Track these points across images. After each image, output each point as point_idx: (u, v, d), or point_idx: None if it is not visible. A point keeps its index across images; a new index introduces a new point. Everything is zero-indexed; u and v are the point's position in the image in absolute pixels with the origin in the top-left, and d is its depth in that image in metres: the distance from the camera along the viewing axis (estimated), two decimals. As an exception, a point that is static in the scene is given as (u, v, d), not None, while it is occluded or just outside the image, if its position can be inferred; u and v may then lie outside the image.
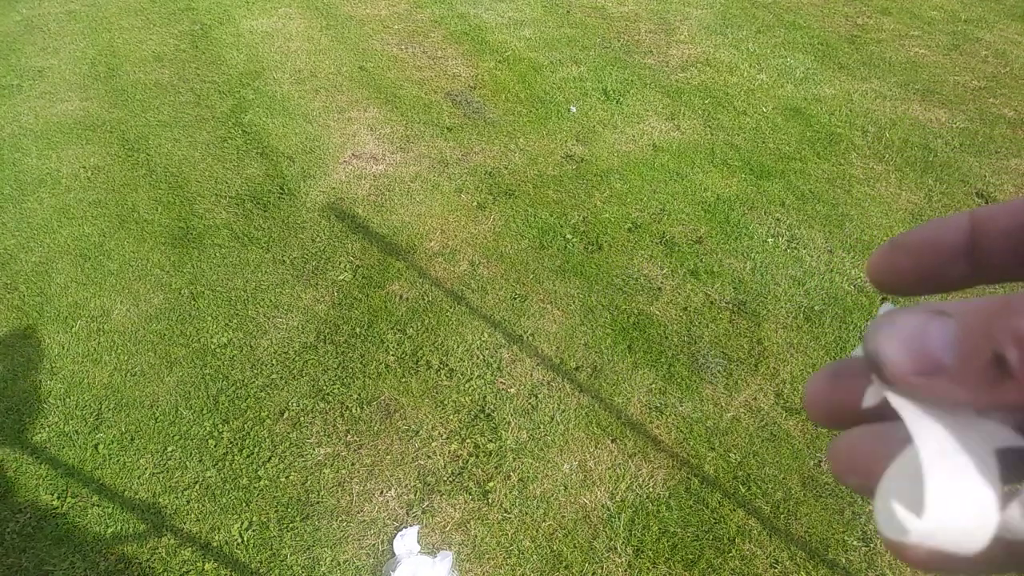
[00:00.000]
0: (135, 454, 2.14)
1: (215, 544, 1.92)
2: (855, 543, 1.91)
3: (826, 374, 0.24)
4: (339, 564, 1.88)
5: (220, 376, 2.37)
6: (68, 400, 2.30)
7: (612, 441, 2.16)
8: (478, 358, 2.41)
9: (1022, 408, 0.19)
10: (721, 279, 2.71)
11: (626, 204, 3.09)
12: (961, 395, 0.19)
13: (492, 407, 2.25)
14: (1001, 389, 0.18)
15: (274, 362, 2.41)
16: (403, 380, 2.34)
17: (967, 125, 3.63)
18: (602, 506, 1.99)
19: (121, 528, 1.97)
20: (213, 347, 2.47)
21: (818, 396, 0.24)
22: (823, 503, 1.99)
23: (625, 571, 1.86)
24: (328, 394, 2.30)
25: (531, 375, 2.35)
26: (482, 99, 3.84)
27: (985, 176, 3.27)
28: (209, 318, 2.58)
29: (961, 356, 0.19)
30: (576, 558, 1.88)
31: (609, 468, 2.08)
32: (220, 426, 2.21)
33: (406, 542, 1.88)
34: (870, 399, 0.21)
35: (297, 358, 2.42)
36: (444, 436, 2.17)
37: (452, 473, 2.07)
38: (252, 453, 2.14)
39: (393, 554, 1.87)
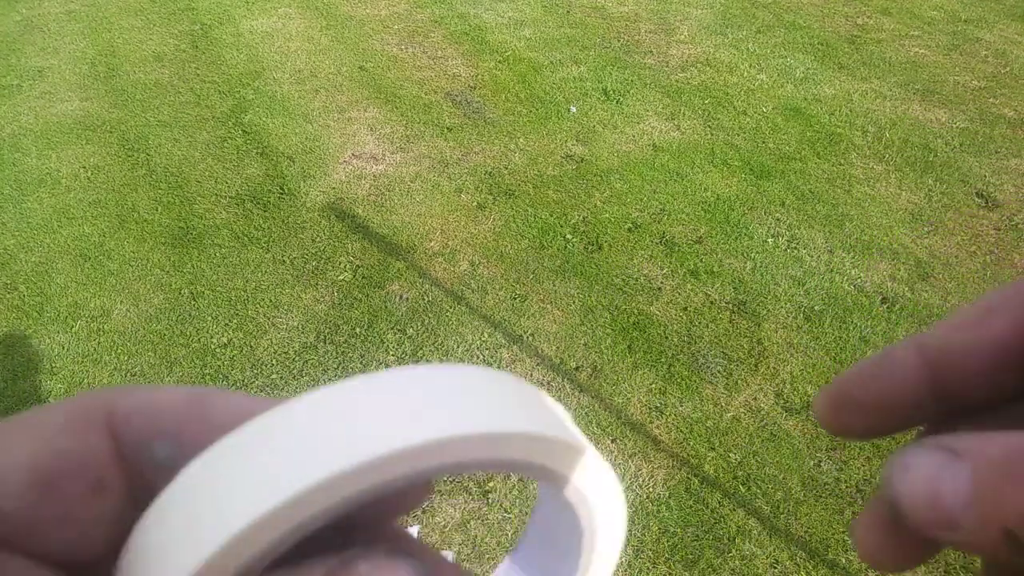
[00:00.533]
0: (135, 454, 2.14)
1: (215, 544, 1.92)
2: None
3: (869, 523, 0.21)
4: (339, 564, 1.88)
5: (220, 376, 2.37)
6: (68, 400, 2.30)
7: (612, 441, 2.16)
8: (478, 358, 2.41)
9: None
10: (721, 279, 2.71)
11: (626, 204, 3.09)
12: (977, 553, 0.18)
13: (492, 407, 2.25)
14: (1016, 557, 0.17)
15: (274, 362, 2.41)
16: (403, 380, 2.33)
17: (967, 125, 3.63)
18: (602, 506, 1.99)
19: (121, 528, 1.97)
20: (213, 347, 2.47)
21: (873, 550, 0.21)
22: (823, 503, 1.99)
23: (625, 571, 1.86)
24: (328, 394, 2.30)
25: (531, 375, 2.35)
26: (482, 99, 3.84)
27: (985, 176, 3.27)
28: (209, 318, 2.58)
29: (976, 519, 0.17)
30: (576, 558, 1.88)
31: (609, 468, 2.08)
32: (220, 426, 2.21)
33: (406, 542, 1.88)
34: None
35: (297, 358, 2.42)
36: (444, 436, 2.17)
37: (452, 473, 2.07)
38: (252, 453, 2.14)
39: (393, 554, 1.87)
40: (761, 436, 2.17)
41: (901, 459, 0.19)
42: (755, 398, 2.28)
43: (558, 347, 2.44)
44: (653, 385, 2.32)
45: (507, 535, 1.93)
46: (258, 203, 3.12)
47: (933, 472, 0.18)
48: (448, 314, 2.57)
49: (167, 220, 3.03)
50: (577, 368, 2.37)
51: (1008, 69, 4.15)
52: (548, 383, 2.33)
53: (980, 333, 0.20)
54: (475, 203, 3.10)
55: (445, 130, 3.59)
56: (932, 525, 0.18)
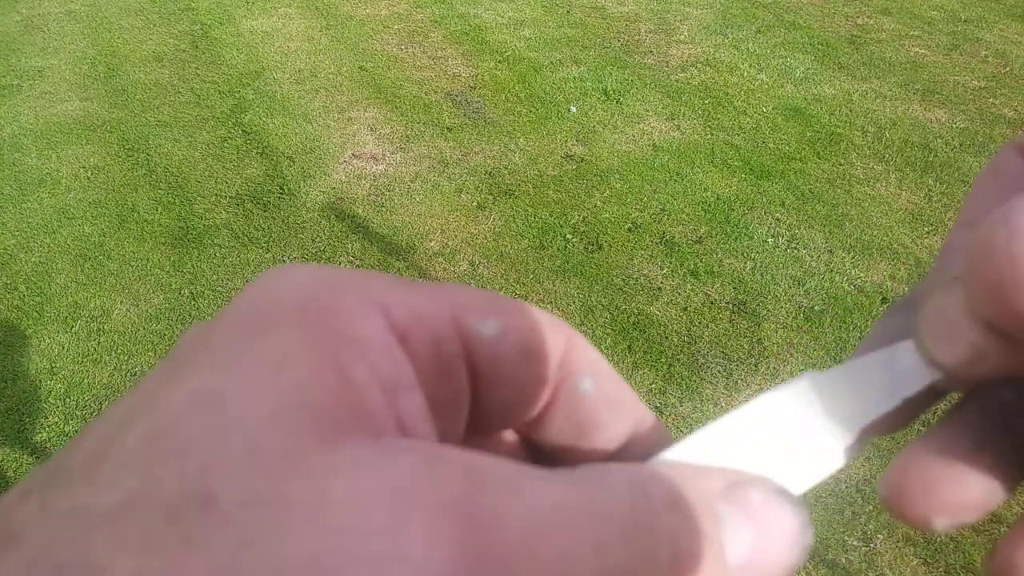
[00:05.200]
0: (135, 454, 2.14)
1: (215, 544, 1.92)
2: (855, 543, 1.91)
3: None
4: (339, 564, 1.88)
5: (220, 376, 2.37)
6: (68, 400, 2.30)
7: (612, 441, 2.16)
8: (478, 358, 2.41)
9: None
10: (721, 279, 2.71)
11: (626, 204, 3.09)
12: (997, 370, 0.17)
13: (492, 407, 2.25)
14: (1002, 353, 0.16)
15: (274, 362, 2.41)
16: (403, 380, 2.34)
17: (967, 125, 3.63)
18: (602, 506, 1.99)
19: (121, 528, 1.97)
20: (213, 347, 2.46)
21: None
22: (823, 503, 1.99)
23: (625, 571, 1.86)
24: (328, 394, 2.30)
25: (531, 375, 2.35)
26: (482, 99, 3.84)
27: (985, 176, 3.26)
28: (209, 318, 2.57)
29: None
30: (576, 558, 1.88)
31: (609, 468, 2.08)
32: (220, 426, 2.21)
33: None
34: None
35: (297, 358, 2.42)
36: (444, 436, 2.17)
37: (452, 473, 2.07)
38: (252, 453, 2.14)
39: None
40: (761, 436, 2.17)
41: (923, 314, 0.18)
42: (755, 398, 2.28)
43: (558, 347, 2.44)
44: (653, 385, 2.32)
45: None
46: (258, 203, 3.12)
47: (955, 317, 0.17)
48: (448, 314, 2.57)
49: (167, 220, 3.03)
50: (577, 368, 2.37)
51: (1008, 69, 4.15)
52: (548, 383, 2.33)
53: None
54: (475, 203, 3.10)
55: (445, 130, 3.59)
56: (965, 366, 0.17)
